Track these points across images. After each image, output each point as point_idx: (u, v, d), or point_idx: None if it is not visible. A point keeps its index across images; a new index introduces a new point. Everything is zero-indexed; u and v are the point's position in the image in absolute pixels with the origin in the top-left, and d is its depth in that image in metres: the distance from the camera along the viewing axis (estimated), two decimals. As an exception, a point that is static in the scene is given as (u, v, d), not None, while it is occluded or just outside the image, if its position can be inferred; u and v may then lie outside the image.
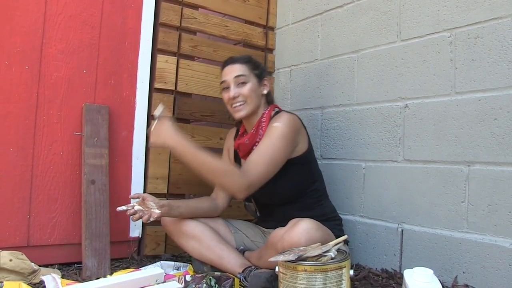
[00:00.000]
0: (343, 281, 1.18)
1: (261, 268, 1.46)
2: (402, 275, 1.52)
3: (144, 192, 1.93)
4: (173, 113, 2.05)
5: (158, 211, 1.53)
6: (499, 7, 1.51)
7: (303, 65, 2.27)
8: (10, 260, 1.45)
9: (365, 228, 1.89)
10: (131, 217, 1.52)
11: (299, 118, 1.69)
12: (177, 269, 1.71)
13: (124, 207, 1.52)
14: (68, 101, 1.79)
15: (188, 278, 1.44)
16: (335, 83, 2.08)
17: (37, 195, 1.71)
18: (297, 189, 1.67)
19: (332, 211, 1.73)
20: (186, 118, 2.10)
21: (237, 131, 1.83)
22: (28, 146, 1.70)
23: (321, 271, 1.15)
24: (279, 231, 1.43)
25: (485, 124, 1.52)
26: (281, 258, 1.20)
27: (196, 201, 1.76)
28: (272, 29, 2.45)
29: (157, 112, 1.56)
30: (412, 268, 1.28)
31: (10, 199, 1.66)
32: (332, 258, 1.22)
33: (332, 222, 1.65)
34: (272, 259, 1.23)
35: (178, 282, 1.45)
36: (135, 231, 1.93)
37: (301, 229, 1.35)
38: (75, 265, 1.73)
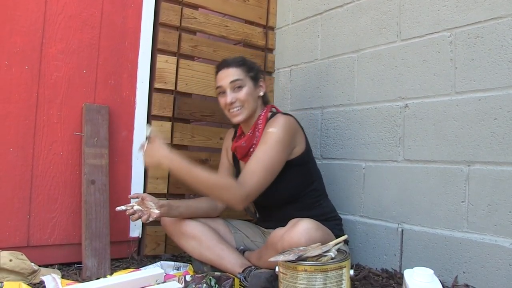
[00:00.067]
0: (343, 281, 1.18)
1: (261, 268, 1.46)
2: (402, 275, 1.52)
3: (144, 192, 1.93)
4: (173, 113, 2.05)
5: (157, 211, 1.53)
6: (499, 6, 1.51)
7: (303, 65, 2.27)
8: (10, 260, 1.45)
9: (365, 228, 1.89)
10: (130, 217, 1.53)
11: (295, 119, 1.68)
12: (177, 269, 1.71)
13: (123, 207, 1.52)
14: (68, 101, 1.79)
15: (188, 278, 1.44)
16: (335, 83, 2.08)
17: (37, 195, 1.71)
18: (296, 190, 1.66)
19: (332, 211, 1.73)
20: (186, 118, 2.10)
21: (235, 132, 1.83)
22: (28, 146, 1.70)
23: (321, 271, 1.15)
24: (279, 231, 1.43)
25: (485, 124, 1.52)
26: (281, 258, 1.20)
27: (195, 201, 1.76)
28: (272, 29, 2.45)
29: (146, 133, 1.58)
30: (412, 268, 1.28)
31: (10, 199, 1.66)
32: (332, 258, 1.22)
33: (332, 222, 1.65)
34: (272, 259, 1.23)
35: (178, 282, 1.45)
36: (135, 231, 1.93)
37: (301, 229, 1.35)
38: (75, 265, 1.73)
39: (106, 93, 1.88)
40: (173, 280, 1.50)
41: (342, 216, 1.78)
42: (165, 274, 1.55)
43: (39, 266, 1.55)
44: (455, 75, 1.62)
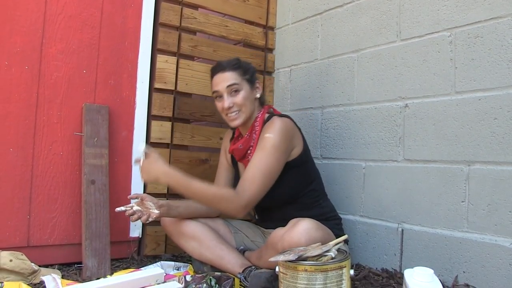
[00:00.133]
0: (343, 281, 1.18)
1: (261, 268, 1.46)
2: (402, 274, 1.52)
3: (144, 192, 1.93)
4: (173, 113, 2.05)
5: (157, 211, 1.53)
6: (499, 6, 1.51)
7: (303, 65, 2.27)
8: (10, 261, 1.45)
9: (365, 228, 1.89)
10: (130, 217, 1.53)
11: (292, 120, 1.67)
12: (177, 269, 1.71)
13: (122, 208, 1.52)
14: (68, 101, 1.79)
15: (188, 278, 1.45)
16: (335, 83, 2.08)
17: (37, 195, 1.71)
18: (294, 190, 1.66)
19: (332, 211, 1.73)
20: (186, 118, 2.10)
21: (233, 133, 1.83)
22: (28, 146, 1.70)
23: (321, 271, 1.15)
24: (279, 231, 1.43)
25: (485, 124, 1.52)
26: (281, 258, 1.20)
27: (195, 201, 1.75)
28: (272, 29, 2.45)
29: (140, 149, 1.57)
30: (412, 267, 1.28)
31: (10, 199, 1.66)
32: (332, 258, 1.22)
33: (332, 222, 1.65)
34: (272, 259, 1.23)
35: (178, 282, 1.45)
36: (135, 231, 1.92)
37: (301, 229, 1.35)
38: (75, 265, 1.73)
39: (106, 93, 1.88)
40: (173, 280, 1.50)
41: (342, 216, 1.77)
42: (165, 274, 1.55)
43: (39, 266, 1.55)
44: (455, 75, 1.62)
